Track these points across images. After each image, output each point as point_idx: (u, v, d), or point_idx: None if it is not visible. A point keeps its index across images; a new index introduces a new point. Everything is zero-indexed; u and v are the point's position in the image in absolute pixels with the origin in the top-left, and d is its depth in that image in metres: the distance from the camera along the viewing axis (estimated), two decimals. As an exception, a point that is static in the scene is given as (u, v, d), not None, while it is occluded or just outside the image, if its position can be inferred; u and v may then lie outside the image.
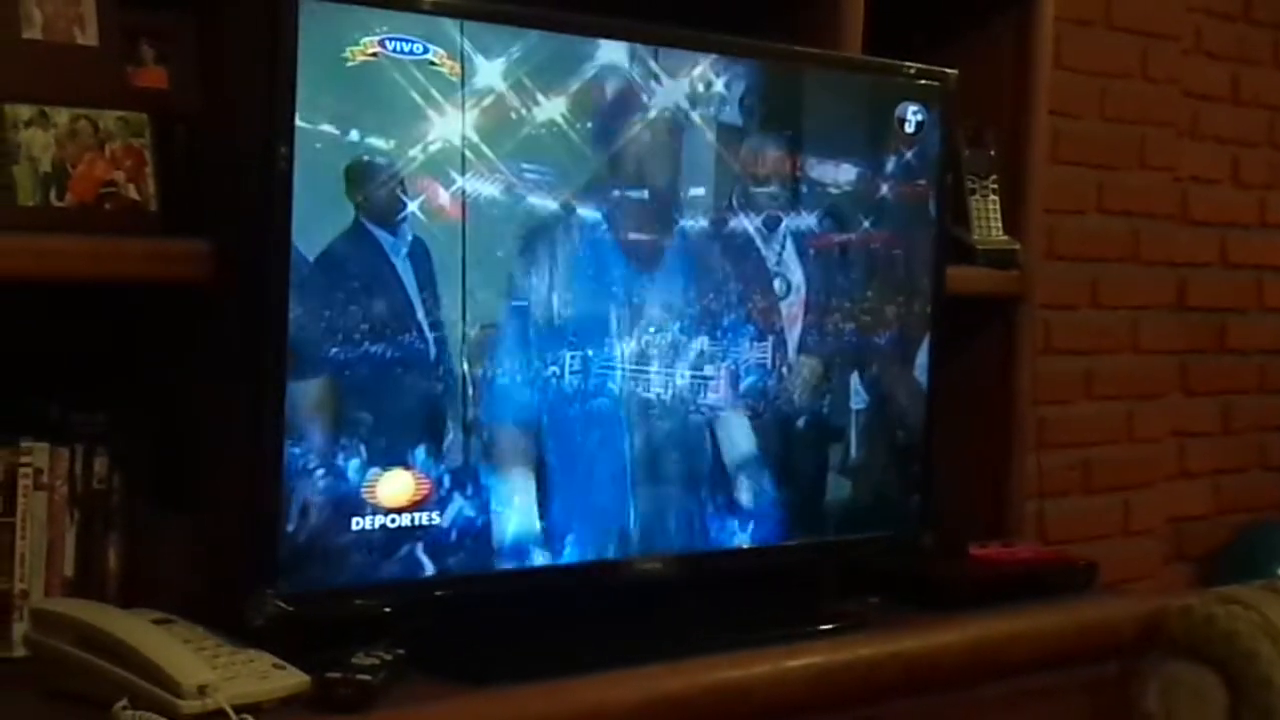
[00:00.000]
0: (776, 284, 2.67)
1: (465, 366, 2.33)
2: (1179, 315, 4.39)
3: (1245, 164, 4.57)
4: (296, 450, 2.18)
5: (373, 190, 2.22)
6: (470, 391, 2.34)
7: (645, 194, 2.51)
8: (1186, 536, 4.51)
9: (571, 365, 2.45)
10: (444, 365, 2.31)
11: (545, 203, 2.39)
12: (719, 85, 2.57)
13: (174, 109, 2.36)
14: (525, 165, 2.36)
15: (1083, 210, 4.06)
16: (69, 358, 2.36)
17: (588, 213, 2.44)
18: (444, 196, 2.29)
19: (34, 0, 2.25)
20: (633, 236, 2.51)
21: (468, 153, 2.31)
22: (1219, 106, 4.48)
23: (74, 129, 2.23)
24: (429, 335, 2.29)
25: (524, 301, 2.39)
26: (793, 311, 2.70)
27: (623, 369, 2.50)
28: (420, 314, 2.28)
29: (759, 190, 2.64)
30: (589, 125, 2.44)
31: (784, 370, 2.69)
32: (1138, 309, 4.23)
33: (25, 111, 2.20)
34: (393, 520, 2.28)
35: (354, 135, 2.20)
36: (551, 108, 2.39)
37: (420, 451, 2.30)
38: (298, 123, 2.14)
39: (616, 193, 2.48)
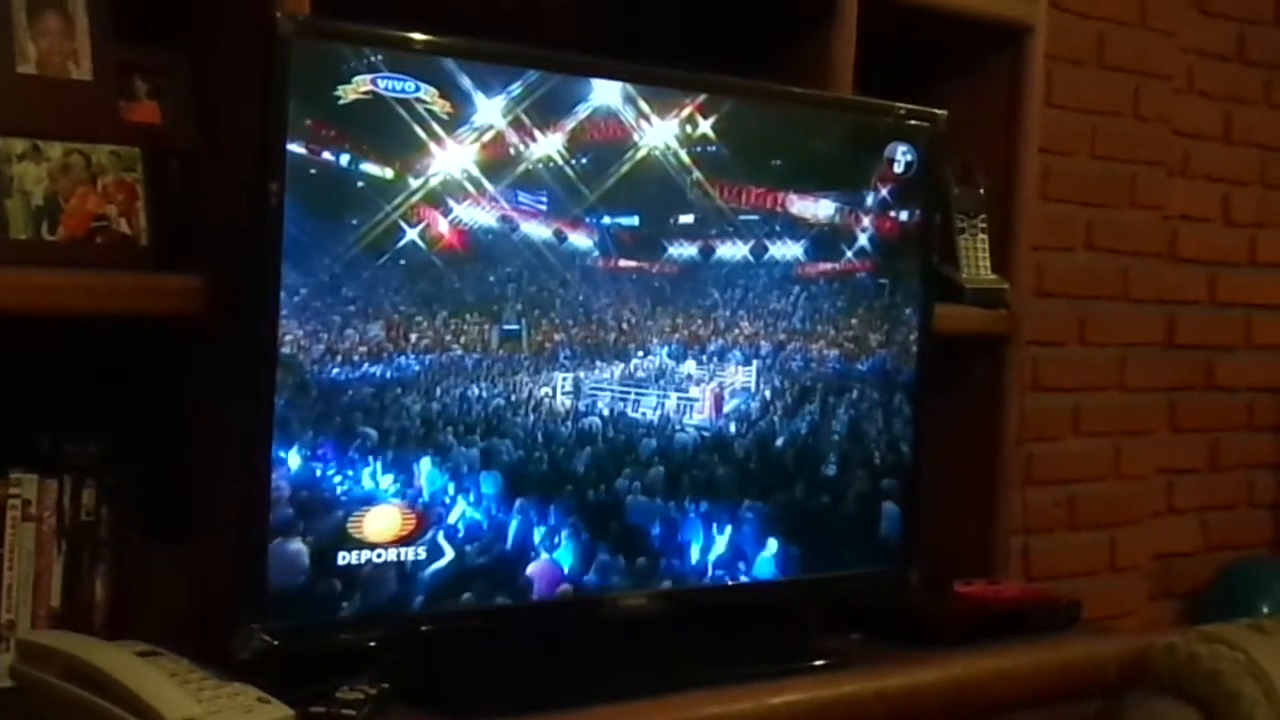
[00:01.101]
0: (761, 318, 2.68)
1: (456, 398, 2.35)
2: (1167, 353, 4.40)
3: (1235, 203, 4.58)
4: (284, 484, 2.20)
5: (368, 217, 2.24)
6: (459, 427, 2.35)
7: (635, 221, 2.53)
8: (1173, 573, 4.51)
9: (563, 388, 2.46)
10: (433, 397, 2.32)
11: (539, 231, 2.41)
12: (706, 125, 2.59)
13: (167, 143, 2.38)
14: (520, 196, 2.38)
15: (1072, 248, 4.08)
16: (59, 389, 2.37)
17: (580, 241, 2.46)
18: (440, 224, 2.31)
19: (29, 35, 2.27)
20: (623, 264, 2.52)
21: (466, 184, 2.33)
22: (1210, 145, 4.50)
23: (66, 163, 2.25)
24: (419, 363, 2.30)
25: (515, 327, 2.40)
26: (778, 343, 2.71)
27: (613, 393, 2.51)
28: (413, 342, 2.29)
29: (745, 226, 2.65)
30: (583, 161, 2.46)
31: (769, 404, 2.71)
32: (1126, 346, 4.24)
33: (18, 145, 2.22)
34: (379, 555, 2.29)
35: (349, 164, 2.22)
36: (546, 144, 2.41)
37: (408, 485, 2.32)
38: (293, 148, 2.16)
39: (608, 221, 2.49)
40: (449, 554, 2.36)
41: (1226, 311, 4.60)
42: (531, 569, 2.45)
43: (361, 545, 2.27)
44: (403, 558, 2.31)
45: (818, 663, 2.70)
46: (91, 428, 2.33)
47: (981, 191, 3.22)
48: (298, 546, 2.21)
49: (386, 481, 2.29)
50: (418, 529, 2.32)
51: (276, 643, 2.19)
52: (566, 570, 2.49)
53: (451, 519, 2.36)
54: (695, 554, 2.63)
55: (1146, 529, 4.35)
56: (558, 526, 2.48)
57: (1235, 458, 4.67)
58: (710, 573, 2.66)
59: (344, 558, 2.26)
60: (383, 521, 2.29)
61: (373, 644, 2.33)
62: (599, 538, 2.52)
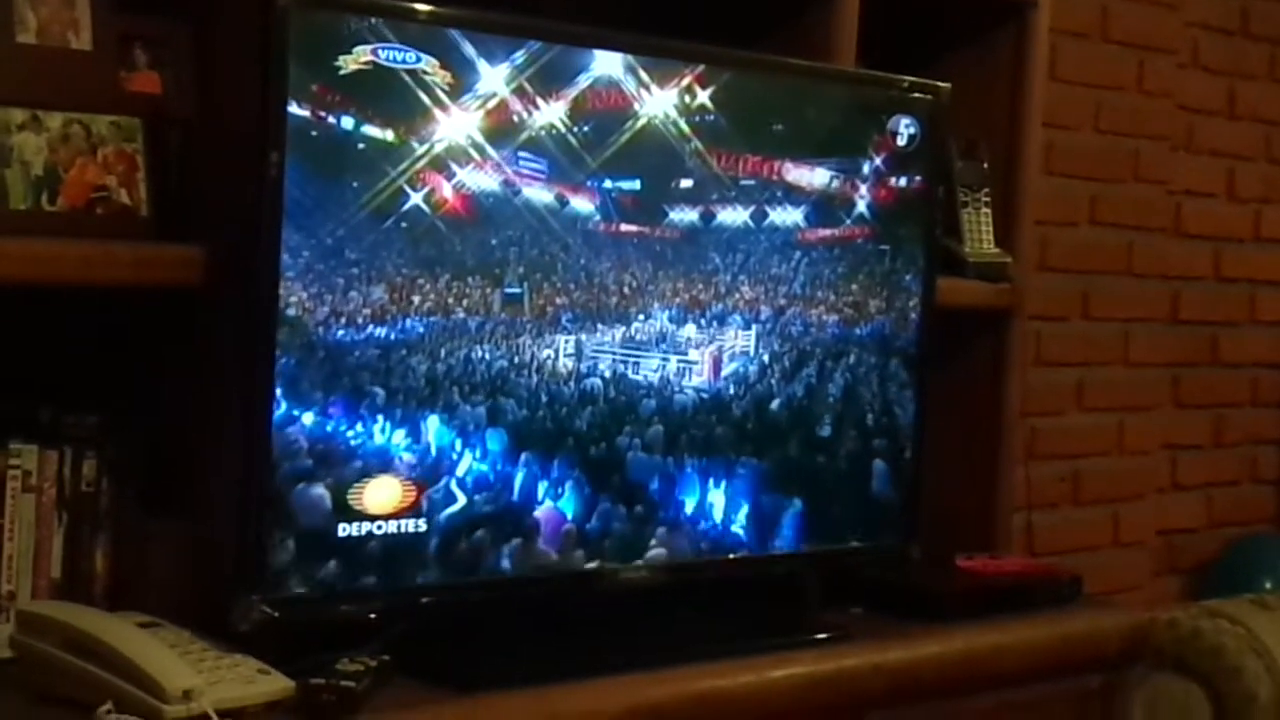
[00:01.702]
0: (762, 283, 2.68)
1: (460, 359, 2.35)
2: (1171, 328, 4.40)
3: (1240, 178, 4.57)
4: (286, 456, 2.20)
5: (371, 181, 2.24)
6: (464, 387, 2.36)
7: (637, 186, 2.53)
8: (1177, 549, 4.51)
9: (565, 350, 2.46)
10: (438, 358, 2.33)
11: (540, 195, 2.41)
12: (704, 95, 2.58)
13: (167, 114, 2.37)
14: (522, 161, 2.38)
15: (1076, 222, 4.07)
16: (59, 360, 2.37)
17: (581, 205, 2.46)
18: (444, 189, 2.31)
19: (28, 4, 2.26)
20: (624, 228, 2.52)
21: (470, 150, 2.32)
22: (1214, 120, 4.49)
23: (66, 133, 2.24)
24: (424, 325, 2.31)
25: (518, 290, 2.41)
26: (778, 308, 2.71)
27: (614, 355, 2.52)
28: (416, 305, 2.29)
29: (744, 192, 2.65)
30: (585, 129, 2.45)
31: (770, 373, 2.70)
32: (1130, 321, 4.23)
33: (18, 115, 2.21)
34: (379, 527, 2.29)
35: (351, 129, 2.21)
36: (549, 112, 2.41)
37: (409, 457, 2.31)
38: (295, 111, 2.15)
39: (609, 186, 2.49)
40: (450, 525, 2.35)
41: (1231, 287, 4.59)
42: (538, 512, 2.45)
43: (362, 517, 2.27)
44: (403, 529, 2.31)
45: (819, 636, 2.70)
46: (91, 399, 2.32)
47: (985, 165, 3.21)
48: (298, 517, 2.21)
49: (399, 437, 2.30)
50: (418, 500, 2.32)
51: (277, 614, 2.19)
52: (570, 516, 2.49)
53: (460, 472, 2.36)
54: (695, 527, 2.63)
55: (1150, 504, 4.35)
56: (561, 479, 2.48)
57: (1239, 433, 4.66)
58: (708, 534, 2.65)
59: (344, 529, 2.26)
60: (384, 493, 2.29)
61: (373, 616, 2.33)
62: (601, 490, 2.52)
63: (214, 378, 2.32)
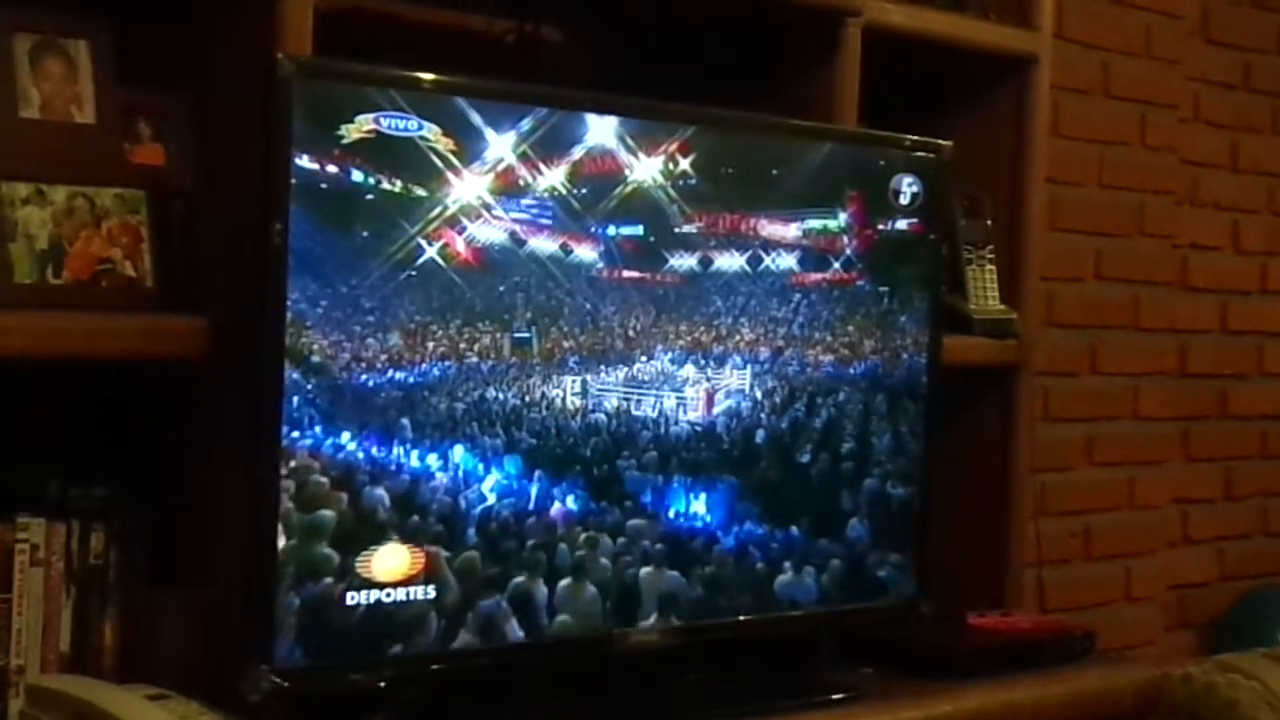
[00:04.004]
0: (766, 346, 2.69)
1: (476, 399, 2.38)
2: (1180, 381, 4.40)
3: (1245, 230, 4.58)
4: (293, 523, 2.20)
5: (382, 233, 2.26)
6: (482, 423, 2.38)
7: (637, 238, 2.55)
8: (1189, 603, 4.50)
9: (572, 390, 2.49)
10: (456, 398, 2.36)
11: (546, 245, 2.43)
12: (686, 161, 2.58)
13: (170, 186, 2.37)
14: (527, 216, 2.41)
15: (1082, 277, 4.07)
16: (66, 433, 2.37)
17: (585, 254, 2.48)
18: (457, 243, 2.33)
19: (32, 79, 2.27)
20: (626, 274, 2.54)
21: (479, 207, 2.35)
22: (1218, 174, 4.50)
23: (71, 206, 2.25)
24: (440, 369, 2.33)
25: (526, 335, 2.43)
26: (776, 349, 2.72)
27: (618, 394, 2.54)
28: (430, 350, 2.31)
29: (747, 253, 2.66)
30: (583, 191, 2.46)
31: (777, 425, 2.71)
32: (1138, 375, 4.23)
33: (22, 190, 2.22)
34: (388, 595, 2.29)
35: (359, 180, 2.24)
36: (551, 175, 2.42)
37: (416, 524, 2.32)
38: (299, 162, 2.17)
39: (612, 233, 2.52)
40: (460, 593, 2.35)
41: (1238, 339, 4.59)
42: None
43: (370, 585, 2.27)
44: (411, 597, 2.31)
45: (833, 697, 2.69)
46: (98, 471, 2.32)
47: (989, 222, 3.22)
48: (306, 587, 2.21)
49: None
50: (427, 568, 2.32)
51: (286, 684, 2.19)
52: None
53: (462, 557, 2.36)
54: (705, 588, 2.63)
55: (1162, 559, 4.34)
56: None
57: (1250, 486, 4.66)
58: (722, 607, 2.64)
59: (353, 598, 2.25)
60: (391, 561, 2.29)
61: (383, 684, 2.33)
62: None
63: (219, 448, 2.32)
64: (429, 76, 2.32)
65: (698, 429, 2.62)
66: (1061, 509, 4.01)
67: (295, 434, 2.21)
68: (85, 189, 2.27)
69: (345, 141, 2.21)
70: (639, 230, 2.55)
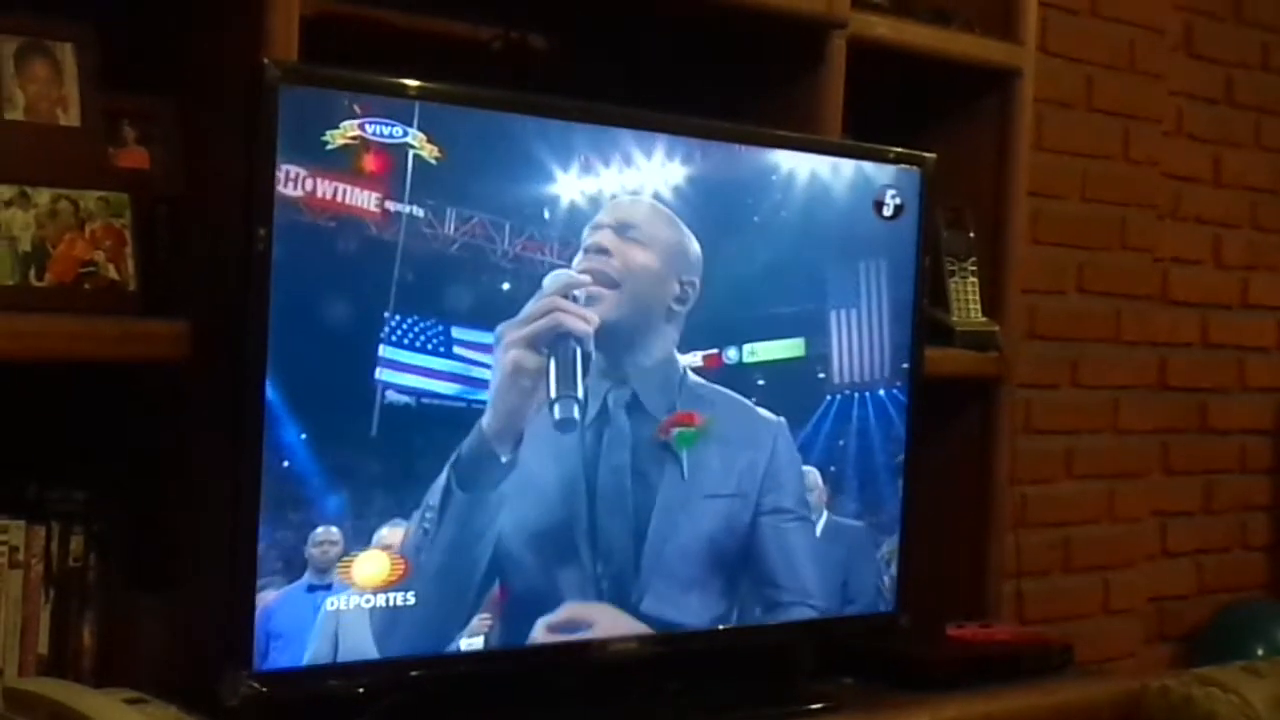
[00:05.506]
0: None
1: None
2: (1160, 395, 4.40)
3: (1226, 245, 4.59)
4: (272, 530, 2.19)
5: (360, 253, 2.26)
6: (445, 472, 2.36)
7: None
8: (1168, 616, 4.51)
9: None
10: (420, 440, 2.33)
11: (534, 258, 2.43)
12: (687, 166, 2.59)
13: (155, 189, 2.37)
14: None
15: (1064, 290, 4.08)
16: (46, 436, 2.36)
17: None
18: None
19: (17, 82, 2.27)
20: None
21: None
22: (1200, 188, 4.51)
23: (55, 209, 2.25)
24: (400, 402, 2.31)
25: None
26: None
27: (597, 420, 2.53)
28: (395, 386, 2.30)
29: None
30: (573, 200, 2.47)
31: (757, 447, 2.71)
32: (1119, 389, 4.24)
33: (6, 191, 2.21)
34: (367, 600, 2.29)
35: (339, 197, 2.23)
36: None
37: (396, 530, 2.31)
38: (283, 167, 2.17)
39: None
40: (437, 599, 2.35)
41: (1219, 353, 4.60)
42: (522, 617, 2.45)
43: (350, 590, 2.27)
44: (391, 603, 2.31)
45: (812, 707, 2.69)
46: (78, 475, 2.32)
47: (971, 235, 3.22)
48: (285, 592, 2.21)
49: (375, 526, 2.31)
50: (406, 574, 2.32)
51: (264, 689, 2.19)
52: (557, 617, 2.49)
53: (440, 564, 2.36)
54: (685, 599, 2.62)
55: (1141, 571, 4.34)
56: (546, 575, 2.48)
57: (1229, 500, 4.67)
58: (700, 617, 2.64)
59: (332, 603, 2.25)
60: (371, 567, 2.29)
61: (361, 690, 2.33)
62: (590, 584, 2.52)
63: (199, 451, 2.31)
64: (414, 83, 2.32)
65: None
66: (1041, 521, 4.01)
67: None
68: (69, 192, 2.26)
69: (330, 147, 2.21)
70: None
